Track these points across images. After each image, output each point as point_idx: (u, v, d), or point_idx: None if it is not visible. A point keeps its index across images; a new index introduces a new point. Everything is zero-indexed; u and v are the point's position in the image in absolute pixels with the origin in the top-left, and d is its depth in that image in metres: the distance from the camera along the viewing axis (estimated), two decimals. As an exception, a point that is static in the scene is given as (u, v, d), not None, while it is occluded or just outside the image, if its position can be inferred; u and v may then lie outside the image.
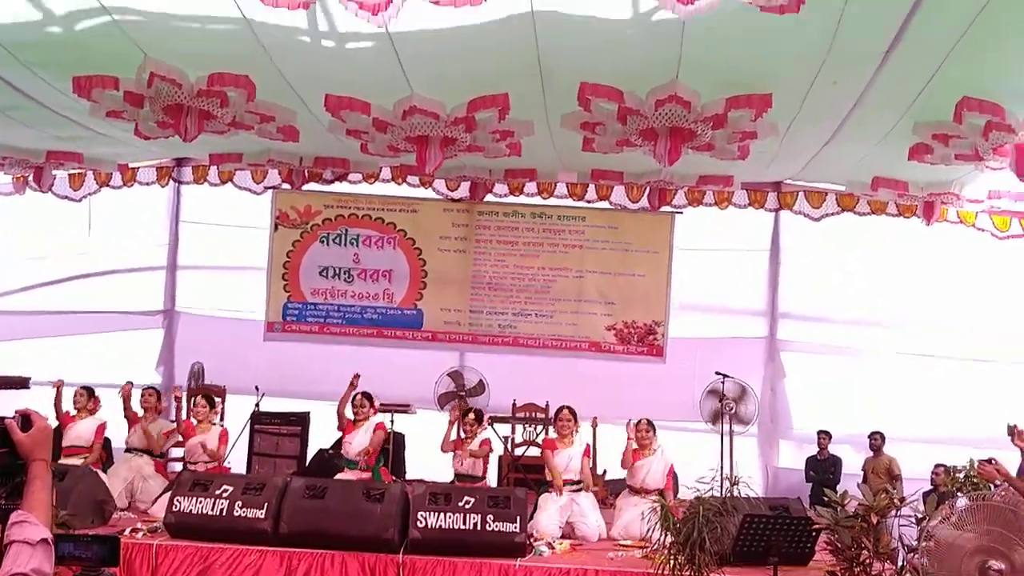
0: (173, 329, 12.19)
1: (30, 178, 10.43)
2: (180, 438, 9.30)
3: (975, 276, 10.89)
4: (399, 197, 11.58)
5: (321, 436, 10.15)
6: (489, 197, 11.30)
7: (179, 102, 7.23)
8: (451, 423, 9.27)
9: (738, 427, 10.03)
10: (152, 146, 9.17)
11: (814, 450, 10.99)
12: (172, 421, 9.60)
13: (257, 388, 10.53)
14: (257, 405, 10.52)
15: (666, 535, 6.64)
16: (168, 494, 7.83)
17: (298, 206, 11.67)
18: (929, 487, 9.62)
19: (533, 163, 9.70)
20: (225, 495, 7.39)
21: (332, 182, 11.30)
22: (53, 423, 8.63)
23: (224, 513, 7.31)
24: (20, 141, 9.38)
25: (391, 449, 9.50)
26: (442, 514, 7.21)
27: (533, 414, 10.65)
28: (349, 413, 9.30)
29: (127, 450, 9.27)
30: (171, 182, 11.76)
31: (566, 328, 11.54)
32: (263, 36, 6.34)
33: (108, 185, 11.41)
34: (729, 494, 7.04)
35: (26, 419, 2.33)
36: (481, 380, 11.06)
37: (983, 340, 10.79)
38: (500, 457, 10.41)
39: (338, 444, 9.62)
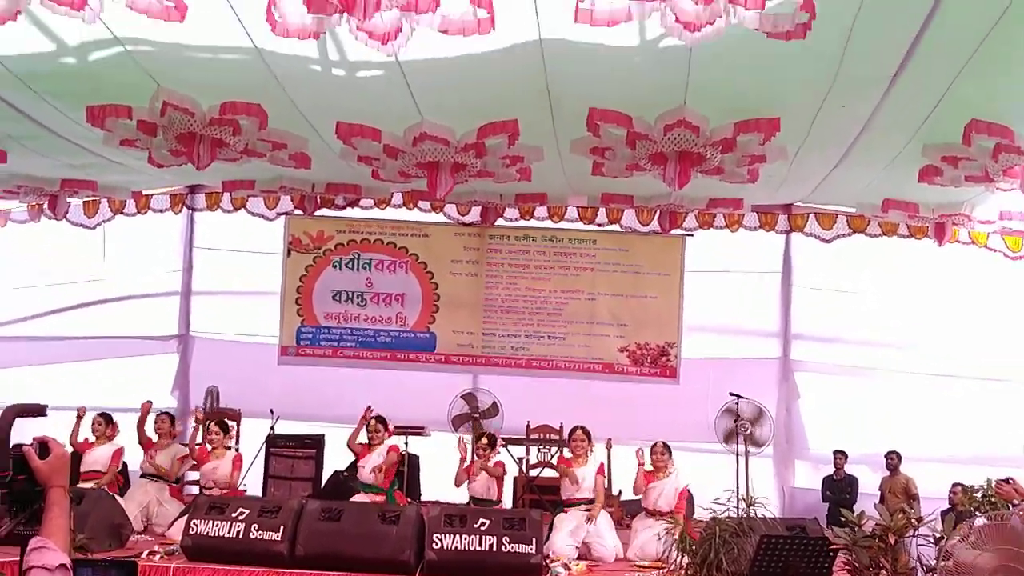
0: (188, 354, 12.24)
1: (45, 206, 10.53)
2: (194, 462, 9.32)
3: (988, 296, 10.84)
4: (410, 222, 11.65)
5: (336, 458, 10.17)
6: (500, 221, 11.35)
7: (192, 131, 7.30)
8: (461, 459, 9.23)
9: (752, 449, 10.00)
10: (165, 174, 9.25)
11: (830, 470, 10.94)
12: (185, 445, 9.62)
13: (272, 411, 10.57)
14: (272, 428, 10.56)
15: (683, 556, 6.63)
16: (184, 517, 7.86)
17: (311, 231, 11.74)
18: (947, 506, 9.54)
19: (543, 187, 9.74)
20: (241, 518, 7.43)
21: (344, 208, 11.36)
22: (69, 449, 8.68)
23: (240, 536, 7.35)
24: (35, 170, 9.47)
25: (406, 471, 9.50)
26: (458, 536, 7.23)
27: (547, 436, 10.63)
28: (363, 437, 9.32)
29: (143, 475, 9.30)
30: (184, 209, 11.86)
31: (579, 350, 11.55)
32: (274, 65, 6.41)
33: (122, 212, 11.52)
34: (745, 515, 7.01)
35: (44, 446, 2.36)
36: (495, 402, 11.06)
37: (998, 359, 10.73)
38: (515, 478, 10.40)
39: (353, 467, 9.64)
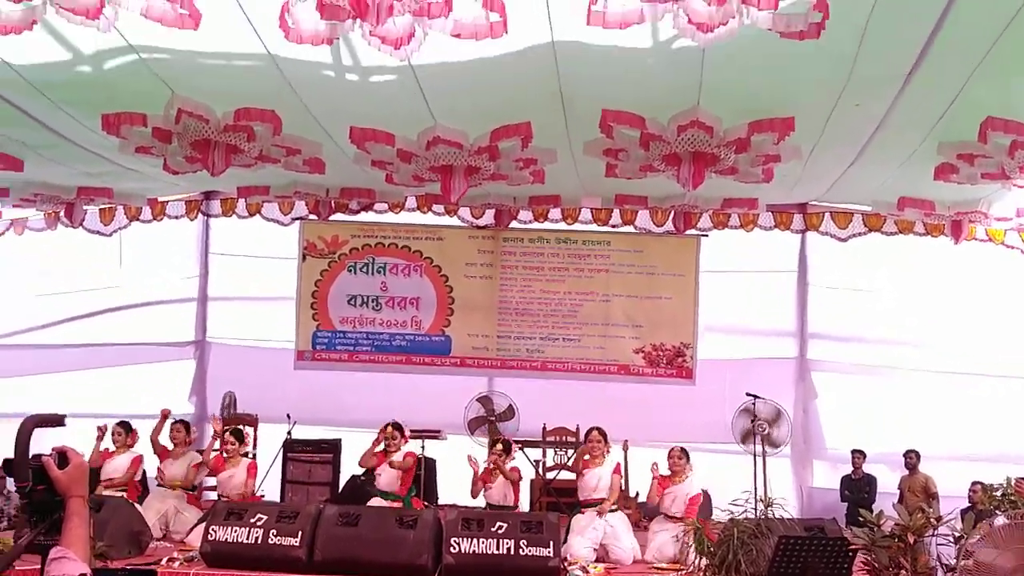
0: (205, 360, 12.29)
1: (61, 213, 10.60)
2: (209, 470, 9.34)
3: (1005, 293, 10.78)
4: (425, 225, 11.67)
5: (353, 463, 10.16)
6: (514, 224, 11.35)
7: (207, 137, 7.35)
8: (474, 473, 9.21)
9: (770, 449, 9.97)
10: (180, 180, 9.30)
11: (849, 470, 10.90)
12: (201, 452, 9.63)
13: (289, 416, 10.59)
14: (289, 433, 10.58)
15: (701, 558, 6.61)
16: (203, 524, 7.88)
17: (325, 236, 11.77)
18: (967, 505, 9.49)
19: (557, 189, 9.74)
20: (259, 523, 7.45)
21: (358, 212, 11.39)
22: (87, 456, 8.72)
23: (259, 541, 7.37)
24: (51, 178, 9.53)
25: (422, 475, 9.50)
26: (475, 539, 7.23)
27: (564, 438, 10.63)
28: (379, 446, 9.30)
29: (159, 484, 9.33)
30: (200, 215, 11.92)
31: (594, 352, 11.54)
32: (288, 71, 6.44)
33: (138, 219, 11.58)
34: (763, 516, 6.99)
35: (63, 456, 2.36)
36: (511, 405, 11.05)
37: (1016, 356, 10.66)
38: (532, 481, 10.40)
39: (370, 473, 9.63)
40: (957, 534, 6.24)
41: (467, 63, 6.10)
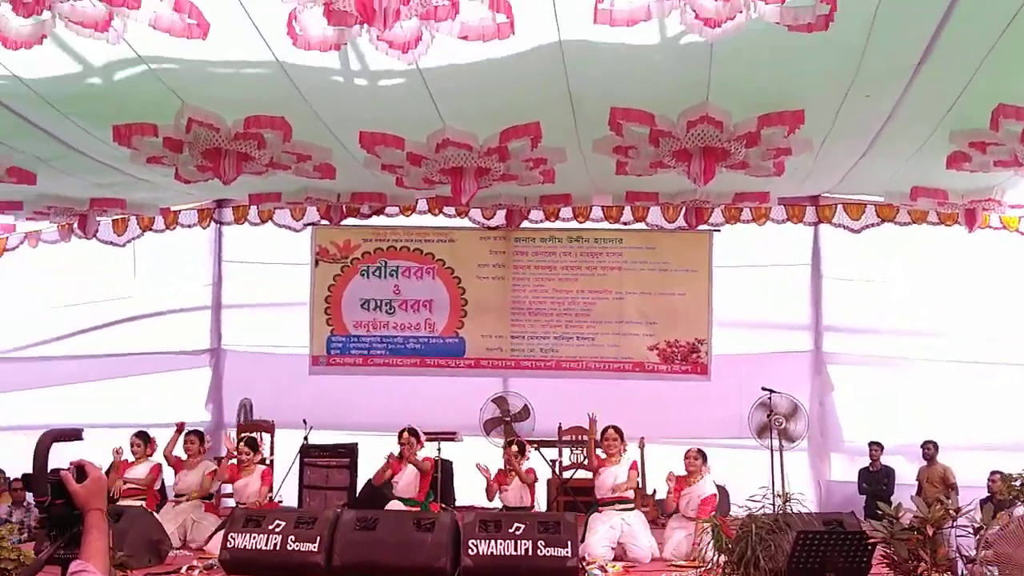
0: (221, 367, 12.34)
1: (75, 225, 10.63)
2: (225, 478, 9.36)
3: (1021, 280, 10.72)
4: (436, 228, 11.68)
5: (370, 467, 10.18)
6: (525, 224, 11.35)
7: (217, 146, 7.38)
8: (487, 479, 9.22)
9: (786, 444, 9.94)
10: (192, 189, 9.35)
11: (866, 462, 10.87)
12: (218, 459, 9.65)
13: (305, 421, 10.62)
14: (306, 438, 10.61)
15: (719, 555, 6.59)
16: (222, 531, 7.91)
17: (337, 241, 11.80)
18: (986, 495, 9.45)
19: (567, 188, 9.73)
20: (278, 530, 7.46)
21: (370, 216, 11.39)
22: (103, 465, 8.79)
23: (278, 548, 7.38)
24: (64, 190, 9.58)
25: (439, 477, 9.52)
26: (493, 541, 7.22)
27: (580, 437, 10.62)
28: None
29: (177, 495, 9.37)
30: (212, 223, 11.95)
31: (609, 350, 11.53)
32: (297, 78, 6.46)
33: (151, 229, 11.62)
34: (781, 511, 6.96)
35: (81, 470, 2.36)
36: (526, 405, 11.06)
37: (1034, 344, 10.63)
38: (548, 481, 10.40)
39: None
40: (976, 525, 6.20)
41: (475, 65, 6.10)
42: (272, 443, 10.93)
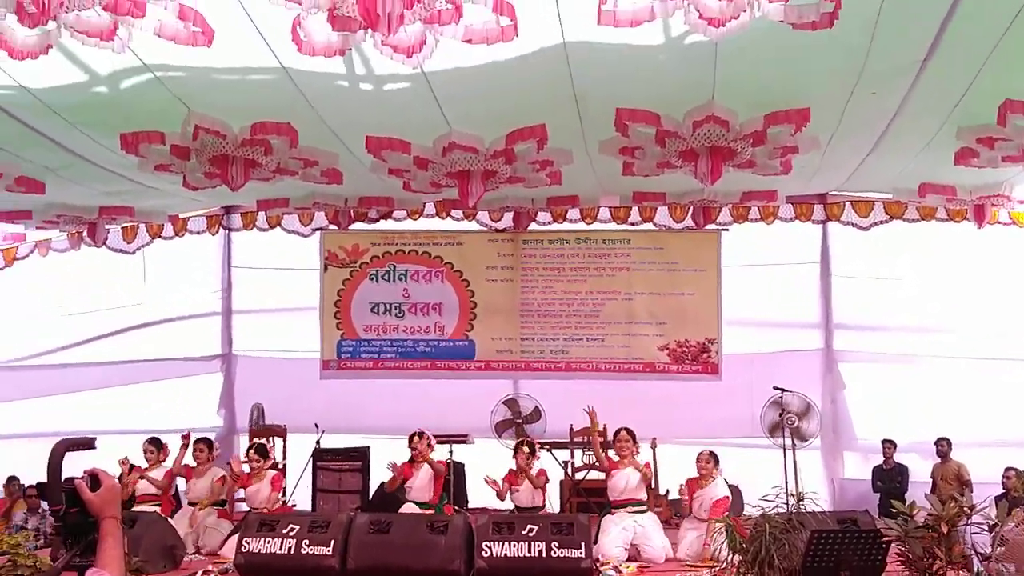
0: (232, 372, 12.37)
1: (84, 233, 10.68)
2: (234, 486, 9.37)
3: (1031, 276, 10.69)
4: (444, 231, 11.69)
5: (382, 470, 10.19)
6: (533, 226, 11.35)
7: (224, 152, 7.41)
8: (496, 485, 9.23)
9: (799, 442, 9.90)
10: (201, 196, 9.35)
11: (880, 460, 10.83)
12: (229, 464, 9.67)
13: (317, 426, 10.65)
14: (318, 442, 10.64)
15: (733, 554, 6.57)
16: (236, 535, 7.93)
17: (346, 245, 11.83)
18: (1000, 491, 9.40)
19: (574, 190, 9.74)
20: (292, 534, 7.48)
21: (377, 220, 11.42)
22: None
23: (292, 551, 7.39)
24: (73, 198, 9.61)
25: (452, 479, 9.52)
26: (507, 543, 7.20)
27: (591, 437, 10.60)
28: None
29: (189, 503, 9.39)
30: (221, 229, 12.00)
31: (619, 350, 11.52)
32: (302, 84, 6.48)
33: (160, 236, 11.69)
34: (795, 510, 6.94)
35: (95, 479, 2.38)
36: (537, 406, 11.05)
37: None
38: (561, 482, 10.40)
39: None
40: (991, 522, 6.17)
41: (479, 68, 6.10)
42: (284, 447, 10.97)
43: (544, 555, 7.15)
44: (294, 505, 9.97)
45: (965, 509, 6.37)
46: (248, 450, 9.41)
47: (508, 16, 5.11)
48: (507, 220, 11.40)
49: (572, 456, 10.53)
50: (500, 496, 9.15)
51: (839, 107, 6.92)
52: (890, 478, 10.61)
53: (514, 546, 7.19)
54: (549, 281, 11.61)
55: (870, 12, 5.37)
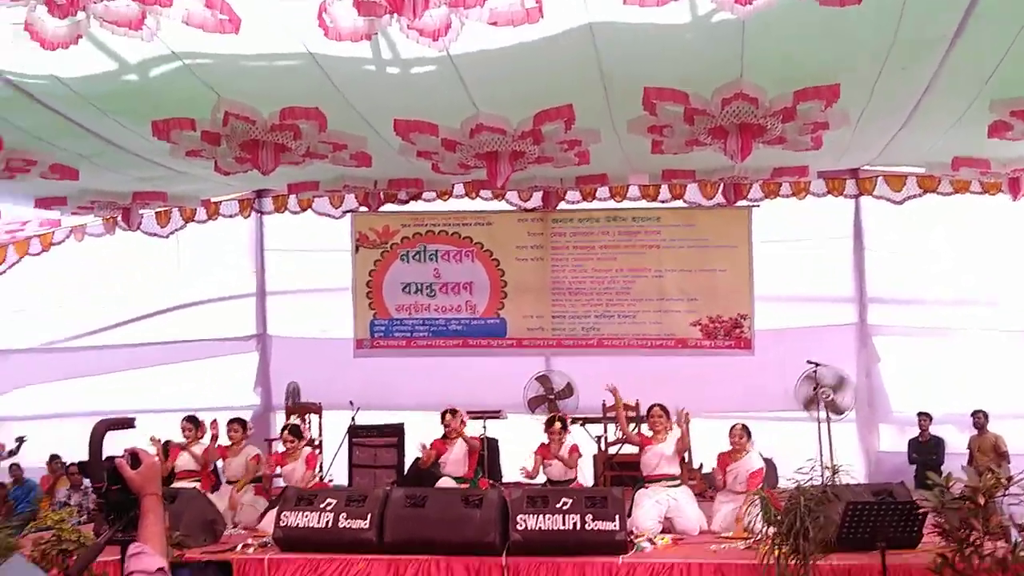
0: (267, 352, 12.55)
1: (119, 218, 10.80)
2: (269, 466, 9.49)
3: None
4: (473, 211, 11.75)
5: (417, 446, 10.30)
6: (562, 205, 11.34)
7: (254, 138, 7.46)
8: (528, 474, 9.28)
9: (834, 416, 9.88)
10: (232, 180, 9.43)
11: (915, 433, 10.79)
12: (269, 440, 9.77)
13: (352, 403, 10.78)
14: (353, 419, 10.77)
15: (768, 526, 6.58)
16: (274, 510, 8.06)
17: (376, 227, 11.91)
18: (1038, 463, 9.34)
19: (603, 168, 9.68)
20: (329, 508, 7.58)
21: (407, 202, 11.45)
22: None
23: (330, 525, 7.50)
24: (106, 185, 9.71)
25: (486, 455, 9.61)
26: (541, 516, 7.23)
27: (626, 413, 10.58)
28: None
29: (228, 481, 9.53)
30: (253, 213, 12.12)
31: (651, 327, 11.53)
32: (329, 69, 6.48)
33: (193, 220, 11.83)
34: (830, 482, 6.93)
35: (135, 457, 2.46)
36: (569, 383, 11.12)
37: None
38: (595, 456, 10.46)
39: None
40: (1029, 492, 6.14)
41: (506, 50, 6.08)
42: (320, 424, 11.14)
43: (578, 527, 7.18)
44: (331, 481, 10.11)
45: (1002, 480, 6.34)
46: (282, 431, 9.54)
47: (533, -2, 5.10)
48: (536, 200, 11.39)
49: (605, 431, 10.58)
50: (531, 476, 9.21)
51: (869, 82, 6.81)
52: (926, 450, 10.58)
53: (548, 519, 7.22)
54: (579, 259, 11.63)
55: (898, -13, 5.30)
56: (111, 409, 9.84)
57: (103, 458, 2.50)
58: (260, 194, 11.94)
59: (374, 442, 10.78)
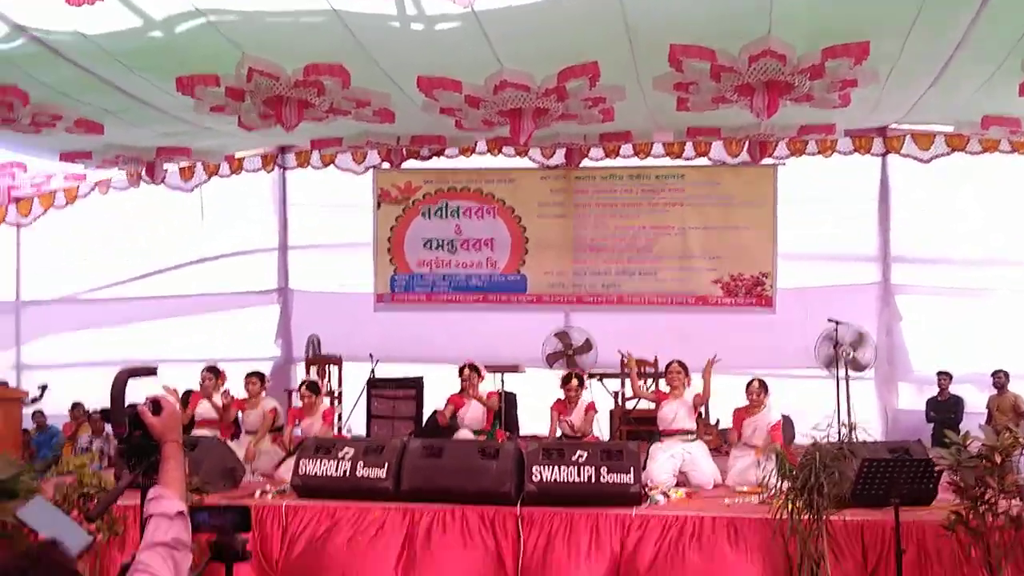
0: (288, 306, 12.64)
1: (143, 172, 10.88)
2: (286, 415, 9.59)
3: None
4: (496, 168, 11.70)
5: (435, 398, 10.37)
6: (586, 162, 11.30)
7: (278, 94, 7.48)
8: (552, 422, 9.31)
9: (853, 373, 9.88)
10: (255, 136, 9.46)
11: (934, 392, 10.78)
12: (289, 392, 9.81)
13: (371, 356, 10.88)
14: (372, 371, 10.88)
15: (783, 481, 6.62)
16: (292, 458, 8.16)
17: (399, 183, 11.91)
18: (1058, 423, 9.33)
19: (627, 126, 9.62)
20: (347, 457, 7.62)
21: (429, 158, 11.45)
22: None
23: (347, 474, 7.53)
24: (131, 139, 9.78)
25: (503, 408, 9.68)
26: (556, 467, 7.25)
27: (642, 369, 10.64)
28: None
29: (247, 432, 9.63)
30: (276, 168, 12.15)
31: (672, 284, 11.50)
32: (353, 25, 6.48)
33: (217, 175, 11.88)
34: (847, 439, 6.95)
35: (156, 404, 2.49)
36: (588, 339, 11.14)
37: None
38: (611, 411, 10.52)
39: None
40: (1047, 452, 6.15)
41: (530, 5, 6.06)
42: (340, 376, 11.26)
43: (593, 479, 7.20)
44: (350, 431, 10.23)
45: (1020, 439, 6.34)
46: (300, 386, 9.63)
47: (559, -46, 5.06)
48: (559, 157, 11.35)
49: (623, 386, 10.63)
50: (552, 431, 9.26)
51: (899, 40, 6.72)
52: (944, 409, 10.57)
53: (564, 470, 7.24)
54: (602, 216, 11.57)
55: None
56: (133, 359, 9.96)
57: (125, 405, 2.55)
58: (283, 149, 11.97)
59: (393, 394, 10.88)
